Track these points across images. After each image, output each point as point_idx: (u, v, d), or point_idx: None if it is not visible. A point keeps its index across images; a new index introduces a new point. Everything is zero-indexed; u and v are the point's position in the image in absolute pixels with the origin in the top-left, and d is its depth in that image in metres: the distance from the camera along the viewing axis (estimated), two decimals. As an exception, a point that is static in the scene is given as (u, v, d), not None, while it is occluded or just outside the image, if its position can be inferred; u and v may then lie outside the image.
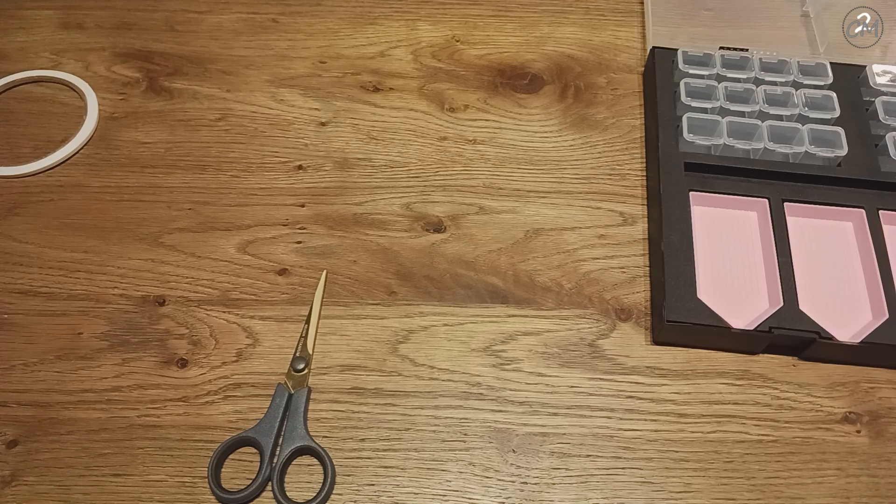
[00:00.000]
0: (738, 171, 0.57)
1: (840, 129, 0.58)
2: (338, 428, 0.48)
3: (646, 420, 0.48)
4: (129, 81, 0.66)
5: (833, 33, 0.66)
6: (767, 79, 0.61)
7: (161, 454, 0.47)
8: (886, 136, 0.57)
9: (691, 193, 0.56)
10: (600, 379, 0.50)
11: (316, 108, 0.64)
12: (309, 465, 0.47)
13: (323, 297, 0.53)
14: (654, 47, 0.65)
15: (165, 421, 0.48)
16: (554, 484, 0.46)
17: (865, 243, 0.54)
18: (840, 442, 0.48)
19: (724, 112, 0.59)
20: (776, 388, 0.50)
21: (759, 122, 0.58)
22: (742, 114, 0.59)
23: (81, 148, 0.61)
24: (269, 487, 0.45)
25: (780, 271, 0.52)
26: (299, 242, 0.56)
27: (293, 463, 0.47)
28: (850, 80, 0.62)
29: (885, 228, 0.54)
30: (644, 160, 0.61)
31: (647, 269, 0.55)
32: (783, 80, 0.61)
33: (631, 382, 0.50)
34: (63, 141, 0.61)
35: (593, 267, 0.55)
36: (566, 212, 0.58)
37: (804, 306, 0.50)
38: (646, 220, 0.58)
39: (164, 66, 0.67)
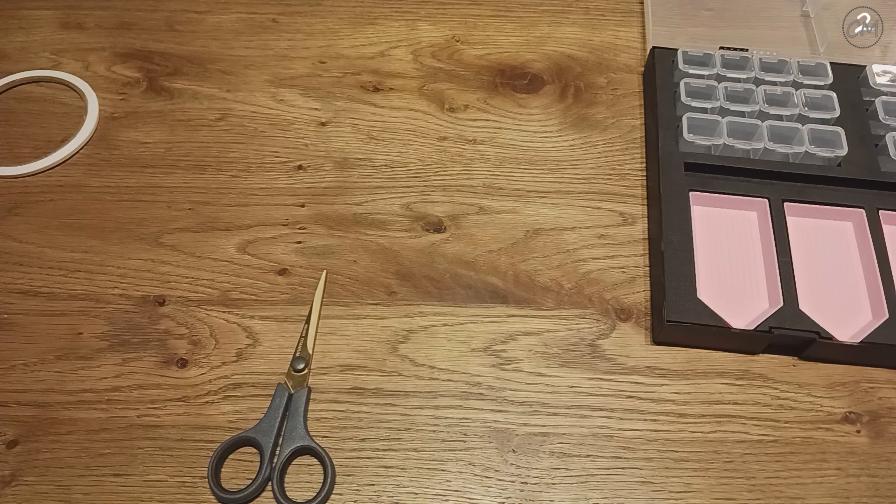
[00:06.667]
0: (738, 171, 0.57)
1: (840, 129, 0.58)
2: (338, 428, 0.48)
3: (646, 420, 0.48)
4: (129, 81, 0.66)
5: (833, 33, 0.66)
6: (767, 79, 0.61)
7: (161, 454, 0.47)
8: (886, 136, 0.57)
9: (691, 193, 0.56)
10: (600, 379, 0.50)
11: (316, 108, 0.64)
12: (309, 465, 0.47)
13: (323, 297, 0.53)
14: (654, 47, 0.65)
15: (165, 421, 0.48)
16: (554, 484, 0.46)
17: (865, 243, 0.54)
18: (840, 442, 0.48)
19: (724, 112, 0.59)
20: (776, 388, 0.50)
21: (759, 122, 0.58)
22: (742, 114, 0.59)
23: (81, 148, 0.61)
24: (269, 487, 0.45)
25: (780, 271, 0.52)
26: (299, 242, 0.56)
27: (293, 463, 0.47)
28: (850, 80, 0.62)
29: (885, 228, 0.54)
30: (644, 160, 0.61)
31: (647, 269, 0.55)
32: (783, 80, 0.61)
33: (631, 382, 0.50)
34: (63, 141, 0.61)
35: (593, 267, 0.55)
36: (566, 212, 0.58)
37: (804, 306, 0.50)
38: (646, 220, 0.58)
39: (164, 66, 0.67)
